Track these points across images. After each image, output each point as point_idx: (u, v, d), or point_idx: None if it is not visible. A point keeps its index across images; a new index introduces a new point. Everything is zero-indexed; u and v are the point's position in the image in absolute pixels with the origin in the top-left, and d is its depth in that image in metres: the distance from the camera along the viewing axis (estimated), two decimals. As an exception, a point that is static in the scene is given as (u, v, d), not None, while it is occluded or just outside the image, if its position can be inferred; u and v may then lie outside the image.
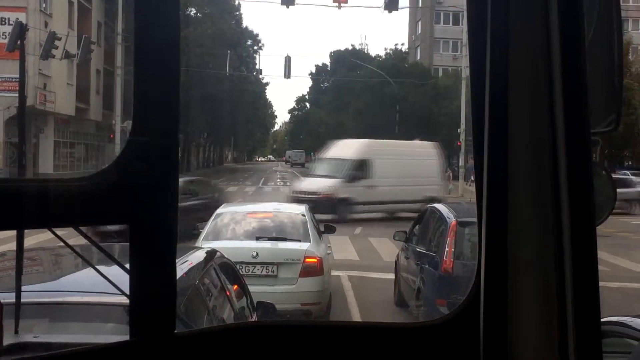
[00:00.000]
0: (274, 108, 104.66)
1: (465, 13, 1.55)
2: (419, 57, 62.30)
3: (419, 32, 65.66)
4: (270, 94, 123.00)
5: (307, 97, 78.96)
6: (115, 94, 32.03)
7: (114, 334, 2.54)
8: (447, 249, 7.48)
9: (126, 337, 1.46)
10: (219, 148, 69.33)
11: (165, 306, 1.46)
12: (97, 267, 1.84)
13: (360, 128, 47.51)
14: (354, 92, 51.06)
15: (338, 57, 61.74)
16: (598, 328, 1.38)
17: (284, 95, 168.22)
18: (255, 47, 59.34)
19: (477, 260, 1.51)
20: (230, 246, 7.76)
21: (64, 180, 1.45)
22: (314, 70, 70.02)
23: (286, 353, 1.56)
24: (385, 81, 47.56)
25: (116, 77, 32.38)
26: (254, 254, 7.87)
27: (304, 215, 9.02)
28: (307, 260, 7.97)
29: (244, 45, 55.77)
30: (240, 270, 6.39)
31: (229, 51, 44.47)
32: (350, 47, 62.16)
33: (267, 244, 8.19)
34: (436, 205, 9.39)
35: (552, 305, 1.39)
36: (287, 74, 41.56)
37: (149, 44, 1.43)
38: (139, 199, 1.42)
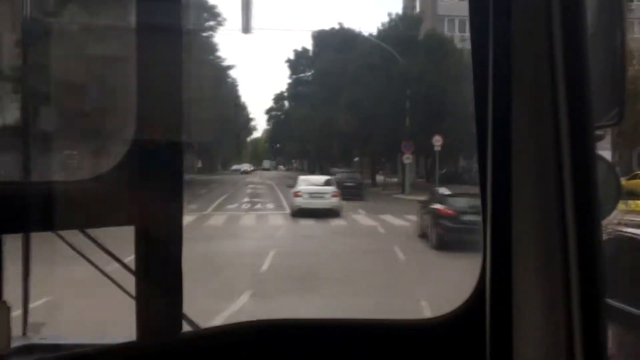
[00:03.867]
0: (249, 110, 78.48)
1: (467, 8, 1.46)
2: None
3: (418, 9, 53.97)
4: (246, 95, 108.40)
5: (285, 94, 60.98)
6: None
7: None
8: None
9: (133, 338, 1.46)
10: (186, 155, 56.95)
11: (172, 307, 1.47)
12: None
13: (355, 122, 33.93)
14: (346, 77, 36.49)
15: (322, 38, 46.25)
16: (604, 323, 1.37)
17: (263, 96, 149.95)
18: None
19: (482, 256, 1.49)
20: (307, 189, 20.80)
21: (68, 182, 1.48)
22: (292, 57, 53.03)
23: (294, 351, 1.56)
24: (390, 58, 33.24)
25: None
26: (316, 190, 21.04)
27: (329, 179, 23.18)
28: (333, 194, 20.99)
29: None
30: (312, 196, 20.39)
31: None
32: (337, 27, 45.85)
33: (320, 188, 21.29)
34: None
35: (557, 301, 1.38)
36: (246, 27, 28.82)
37: (151, 45, 1.43)
38: (144, 200, 1.44)
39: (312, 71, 48.22)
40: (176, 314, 1.48)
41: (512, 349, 1.43)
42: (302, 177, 22.99)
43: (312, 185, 21.06)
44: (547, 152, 1.40)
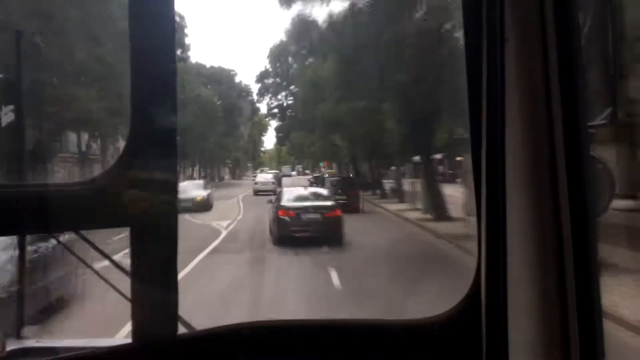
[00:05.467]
0: (255, 95, 48.89)
1: (460, 10, 1.52)
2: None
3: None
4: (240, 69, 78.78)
5: (292, 45, 32.18)
6: None
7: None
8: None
9: (129, 340, 1.47)
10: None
11: (167, 308, 1.48)
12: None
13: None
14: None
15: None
16: (600, 320, 1.38)
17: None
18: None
19: (477, 255, 1.50)
20: (261, 180, 35.05)
21: (64, 184, 1.50)
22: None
23: (290, 352, 1.57)
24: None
25: None
26: (265, 180, 34.93)
27: (274, 175, 38.42)
28: (273, 182, 33.85)
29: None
30: (263, 184, 33.80)
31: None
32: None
33: (267, 179, 35.48)
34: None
35: (553, 299, 1.39)
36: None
37: (145, 49, 1.44)
38: (139, 202, 1.45)
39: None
40: (172, 315, 1.49)
41: (507, 347, 1.43)
42: (259, 175, 38.40)
43: (263, 179, 35.20)
44: (542, 151, 1.40)
